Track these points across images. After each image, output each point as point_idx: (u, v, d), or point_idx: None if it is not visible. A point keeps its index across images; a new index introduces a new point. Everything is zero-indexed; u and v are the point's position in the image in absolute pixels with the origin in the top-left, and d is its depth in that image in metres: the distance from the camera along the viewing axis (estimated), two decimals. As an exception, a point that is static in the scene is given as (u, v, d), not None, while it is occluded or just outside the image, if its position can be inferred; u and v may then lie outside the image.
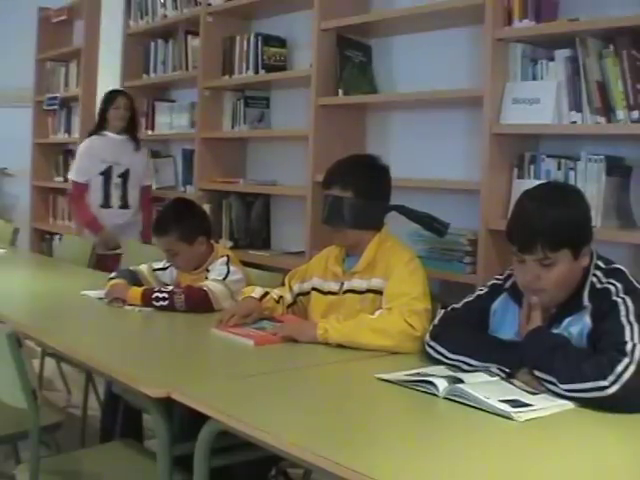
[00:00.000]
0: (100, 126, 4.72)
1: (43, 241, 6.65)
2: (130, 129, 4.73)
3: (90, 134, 4.77)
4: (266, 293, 2.75)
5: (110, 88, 5.06)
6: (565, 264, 2.03)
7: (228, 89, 4.65)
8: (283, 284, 2.86)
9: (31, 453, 2.19)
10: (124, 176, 4.69)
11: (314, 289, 2.77)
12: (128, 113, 4.71)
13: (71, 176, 4.76)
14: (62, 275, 3.95)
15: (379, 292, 2.57)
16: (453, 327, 2.27)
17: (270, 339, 2.49)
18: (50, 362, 4.17)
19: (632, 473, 1.57)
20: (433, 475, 1.51)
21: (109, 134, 4.68)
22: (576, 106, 2.84)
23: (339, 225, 2.64)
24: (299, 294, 2.82)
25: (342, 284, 2.67)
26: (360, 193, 2.60)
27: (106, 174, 4.64)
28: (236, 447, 2.00)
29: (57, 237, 6.34)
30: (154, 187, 5.34)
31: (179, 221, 3.10)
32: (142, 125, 5.23)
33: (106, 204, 4.66)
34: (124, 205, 4.72)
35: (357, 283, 2.63)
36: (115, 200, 4.69)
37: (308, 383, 2.14)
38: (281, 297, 2.79)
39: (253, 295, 2.73)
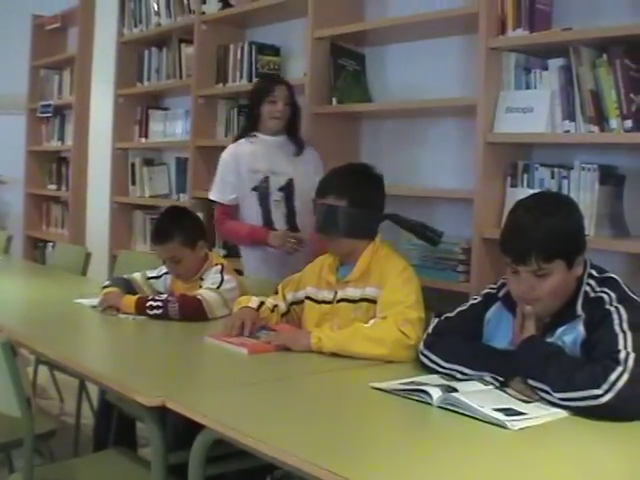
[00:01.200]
0: (250, 127, 3.62)
1: (36, 249, 6.64)
2: (290, 127, 3.61)
3: (237, 138, 3.67)
4: (262, 303, 2.75)
5: (266, 74, 4.10)
6: (559, 274, 2.04)
7: (222, 97, 4.65)
8: (276, 292, 2.86)
9: (25, 462, 2.18)
10: (287, 189, 3.56)
11: (308, 298, 2.76)
12: (289, 108, 3.57)
13: (212, 195, 3.65)
14: (55, 283, 3.95)
15: (373, 301, 2.57)
16: (447, 336, 2.28)
17: (264, 348, 2.48)
18: (43, 370, 4.16)
19: (626, 482, 1.58)
20: (428, 484, 1.51)
21: (261, 136, 3.58)
22: (569, 115, 2.85)
23: (333, 234, 2.63)
24: (293, 303, 2.81)
25: (336, 293, 2.67)
26: (355, 202, 2.60)
27: (262, 188, 3.54)
28: (231, 456, 2.00)
29: (50, 245, 6.34)
30: (147, 195, 5.34)
31: (180, 226, 3.10)
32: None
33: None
34: (292, 227, 3.56)
35: (351, 292, 2.63)
36: (279, 221, 3.55)
37: (302, 392, 2.13)
38: (275, 306, 2.78)
39: (250, 305, 2.72)
